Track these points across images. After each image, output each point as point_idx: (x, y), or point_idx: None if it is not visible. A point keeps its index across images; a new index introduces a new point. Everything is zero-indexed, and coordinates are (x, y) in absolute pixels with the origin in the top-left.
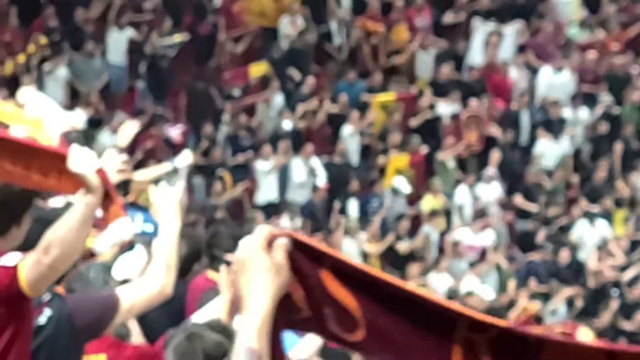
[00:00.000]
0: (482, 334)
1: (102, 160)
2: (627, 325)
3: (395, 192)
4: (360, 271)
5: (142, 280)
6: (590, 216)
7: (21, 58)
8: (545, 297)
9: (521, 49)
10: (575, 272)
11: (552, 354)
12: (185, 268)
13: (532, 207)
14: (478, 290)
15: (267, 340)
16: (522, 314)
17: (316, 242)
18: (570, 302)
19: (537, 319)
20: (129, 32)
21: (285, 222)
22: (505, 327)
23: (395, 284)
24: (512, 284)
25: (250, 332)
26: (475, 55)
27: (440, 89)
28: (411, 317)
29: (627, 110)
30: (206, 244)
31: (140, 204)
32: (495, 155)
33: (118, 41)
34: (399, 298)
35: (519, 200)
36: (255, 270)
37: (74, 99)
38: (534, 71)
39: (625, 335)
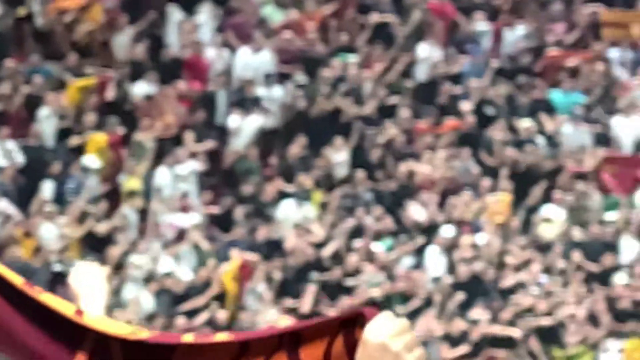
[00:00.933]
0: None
1: None
2: (330, 311)
3: (85, 170)
4: None
5: None
6: (287, 195)
7: None
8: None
9: (220, 29)
10: (274, 250)
11: (182, 355)
12: None
13: (245, 189)
14: (176, 271)
15: None
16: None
17: None
18: (270, 281)
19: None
20: None
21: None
22: (138, 339)
23: (20, 289)
24: (211, 263)
25: None
26: (172, 37)
27: (137, 70)
28: (38, 320)
29: (320, 88)
30: None
31: None
32: (189, 136)
33: None
34: (26, 299)
35: (218, 177)
36: None
37: None
38: (233, 51)
39: None
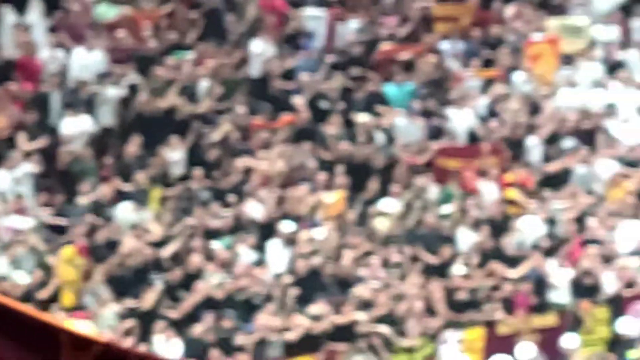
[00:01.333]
0: (86, 352)
1: None
2: (172, 313)
3: None
4: None
5: None
6: (125, 194)
7: None
8: (87, 276)
9: (53, 29)
10: (113, 251)
11: None
12: None
13: (83, 188)
14: (12, 274)
15: None
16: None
17: None
18: (109, 281)
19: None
20: None
21: None
22: (105, 342)
23: None
24: (49, 261)
25: None
26: (5, 38)
27: None
28: (16, 337)
29: (156, 86)
30: None
31: None
32: (22, 137)
33: None
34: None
35: (53, 178)
36: None
37: None
38: (68, 52)
39: (172, 323)
